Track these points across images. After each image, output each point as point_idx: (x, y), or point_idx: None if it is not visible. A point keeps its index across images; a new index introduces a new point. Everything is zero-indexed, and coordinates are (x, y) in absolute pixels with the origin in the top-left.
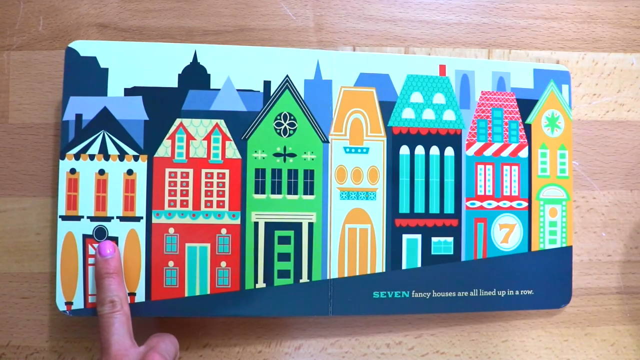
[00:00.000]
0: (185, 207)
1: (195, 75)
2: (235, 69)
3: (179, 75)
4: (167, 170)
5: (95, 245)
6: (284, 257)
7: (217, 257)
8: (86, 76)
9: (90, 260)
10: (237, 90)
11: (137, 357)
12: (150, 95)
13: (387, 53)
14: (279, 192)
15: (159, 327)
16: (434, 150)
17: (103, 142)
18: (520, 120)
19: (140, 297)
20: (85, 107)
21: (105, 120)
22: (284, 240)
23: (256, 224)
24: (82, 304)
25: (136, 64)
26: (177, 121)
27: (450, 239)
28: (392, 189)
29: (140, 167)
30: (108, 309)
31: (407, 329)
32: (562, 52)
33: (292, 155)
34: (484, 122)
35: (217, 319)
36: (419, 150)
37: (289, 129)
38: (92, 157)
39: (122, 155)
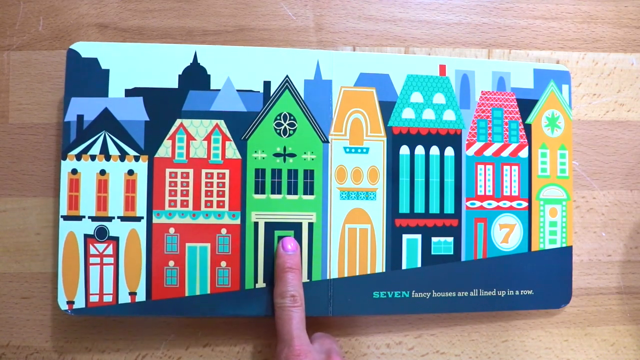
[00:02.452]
0: (185, 207)
1: (195, 76)
2: (235, 70)
3: (179, 76)
4: (168, 170)
5: (98, 245)
6: None
7: (217, 257)
8: (87, 77)
9: (92, 260)
10: (237, 90)
11: (319, 357)
12: (151, 96)
13: (387, 53)
14: (279, 192)
15: (159, 327)
16: (434, 150)
17: (104, 143)
18: (521, 120)
19: (141, 296)
20: (87, 108)
21: (106, 121)
22: None
23: (256, 224)
24: (83, 303)
25: (137, 65)
26: (178, 122)
27: (450, 239)
28: (392, 189)
29: (140, 168)
30: (289, 302)
31: (407, 329)
32: (562, 52)
33: (292, 155)
34: (484, 122)
35: (217, 319)
36: (419, 150)
37: (289, 129)
38: (93, 157)
39: (123, 156)
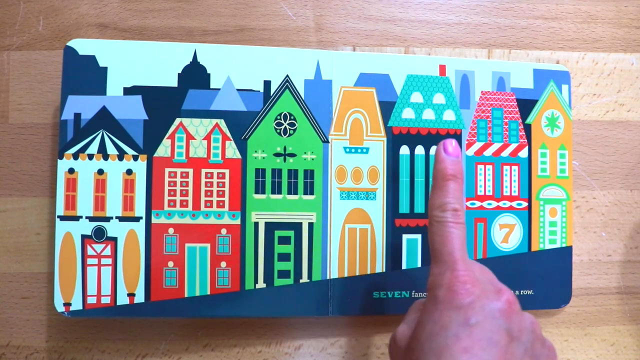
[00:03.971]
0: (185, 207)
1: (195, 75)
2: (235, 69)
3: (178, 74)
4: (167, 170)
5: (95, 246)
6: (284, 257)
7: (217, 257)
8: (85, 75)
9: (90, 261)
10: (237, 90)
11: (486, 291)
12: (150, 95)
13: (387, 53)
14: (279, 192)
15: (159, 327)
16: (434, 151)
17: (102, 142)
18: (520, 120)
19: (140, 298)
20: (84, 106)
21: (104, 120)
22: (284, 241)
23: (256, 224)
24: (80, 305)
25: (136, 63)
26: (177, 121)
27: None
28: (392, 189)
29: (139, 167)
30: (451, 216)
31: None
32: (562, 52)
33: (292, 155)
34: (483, 122)
35: (217, 319)
36: (419, 150)
37: (289, 129)
38: (90, 156)
39: (121, 155)
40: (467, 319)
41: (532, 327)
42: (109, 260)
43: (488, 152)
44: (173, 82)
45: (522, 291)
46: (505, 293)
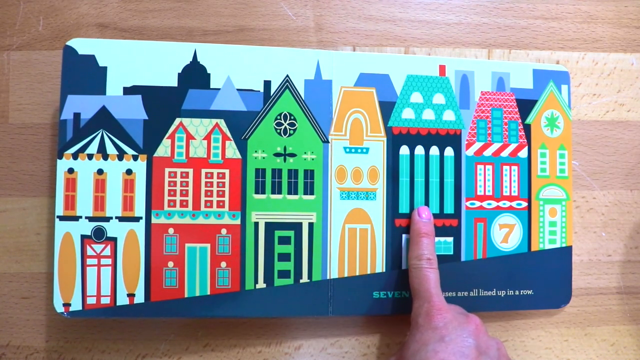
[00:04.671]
0: (185, 207)
1: (195, 75)
2: (235, 69)
3: (178, 74)
4: (167, 170)
5: (95, 246)
6: (284, 257)
7: (217, 257)
8: (84, 74)
9: (89, 261)
10: (237, 89)
11: (459, 315)
12: (150, 95)
13: (387, 53)
14: (279, 192)
15: (159, 328)
16: (434, 150)
17: (102, 142)
18: (520, 121)
19: (140, 298)
20: (84, 105)
21: (104, 119)
22: (284, 241)
23: (256, 224)
24: (80, 305)
25: (135, 63)
26: (177, 121)
27: (450, 239)
28: (392, 189)
29: (139, 167)
30: (426, 264)
31: (407, 329)
32: (562, 52)
33: (292, 155)
34: (483, 122)
35: (217, 319)
36: (419, 150)
37: (289, 129)
38: (90, 156)
39: (121, 155)
40: (442, 337)
41: (497, 345)
42: (109, 261)
43: (488, 152)
44: (173, 82)
45: (522, 291)
46: (473, 318)
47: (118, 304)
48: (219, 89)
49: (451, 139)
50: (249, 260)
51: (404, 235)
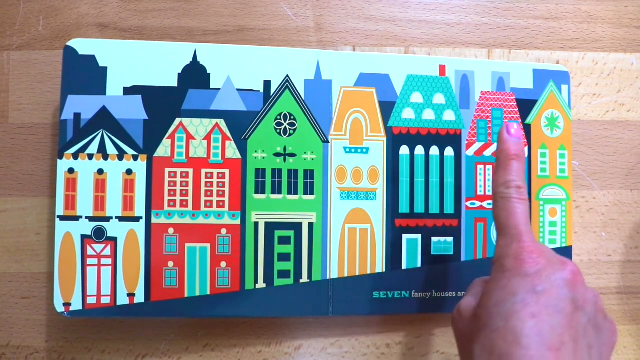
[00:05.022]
0: (185, 207)
1: (195, 75)
2: (235, 69)
3: (178, 74)
4: (167, 170)
5: (95, 246)
6: (284, 257)
7: (217, 257)
8: (85, 75)
9: (89, 261)
10: (237, 89)
11: (552, 262)
12: (150, 95)
13: (387, 53)
14: (279, 192)
15: (159, 328)
16: (434, 150)
17: (102, 142)
18: (520, 121)
19: (140, 298)
20: (84, 106)
21: (104, 120)
22: (284, 241)
23: (256, 224)
24: (80, 305)
25: (135, 63)
26: (177, 121)
27: (450, 239)
28: (392, 189)
29: (139, 167)
30: (515, 193)
31: (407, 329)
32: (562, 52)
33: (292, 155)
34: (483, 122)
35: (217, 319)
36: (419, 150)
37: (289, 129)
38: (90, 156)
39: (121, 155)
40: (534, 286)
41: (595, 299)
42: (109, 260)
43: (488, 152)
44: (173, 82)
45: None
46: (569, 264)
47: (118, 303)
48: (219, 89)
49: (451, 139)
50: (249, 260)
51: (404, 236)
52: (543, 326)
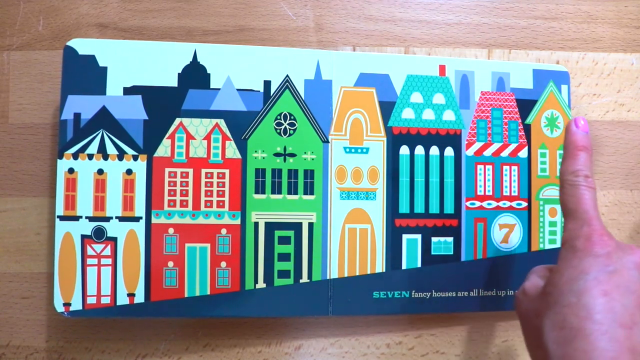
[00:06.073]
0: (185, 207)
1: (195, 75)
2: (235, 69)
3: (178, 74)
4: (167, 170)
5: (95, 246)
6: (284, 257)
7: (217, 257)
8: (85, 75)
9: (89, 261)
10: (237, 89)
11: (621, 245)
12: (150, 95)
13: (387, 53)
14: (279, 192)
15: (159, 328)
16: (434, 151)
17: (102, 142)
18: (520, 121)
19: (140, 298)
20: (84, 106)
21: (104, 120)
22: (284, 241)
23: (256, 224)
24: (80, 305)
25: (135, 63)
26: (177, 121)
27: (450, 239)
28: (392, 189)
29: (139, 167)
30: (584, 181)
31: (407, 329)
32: (562, 52)
33: (292, 155)
34: (483, 122)
35: (217, 319)
36: (419, 150)
37: (289, 129)
38: (90, 156)
39: (121, 155)
40: (606, 266)
41: None
42: (109, 260)
43: (488, 152)
44: (173, 82)
45: None
46: (637, 249)
47: (118, 303)
48: (219, 89)
49: (451, 139)
50: (249, 260)
51: (404, 236)
52: (615, 304)
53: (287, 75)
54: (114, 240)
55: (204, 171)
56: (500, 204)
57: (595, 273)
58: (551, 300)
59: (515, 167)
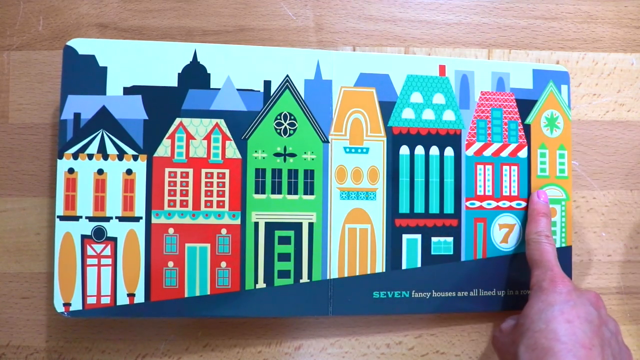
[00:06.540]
0: (185, 207)
1: (195, 75)
2: (236, 69)
3: (178, 74)
4: (167, 170)
5: (95, 246)
6: (284, 257)
7: (217, 257)
8: (85, 74)
9: (89, 261)
10: (237, 89)
11: (578, 288)
12: (150, 95)
13: (387, 53)
14: (279, 192)
15: (159, 328)
16: (434, 151)
17: (102, 142)
18: (520, 121)
19: (140, 298)
20: (84, 105)
21: (104, 120)
22: (284, 241)
23: (256, 224)
24: (80, 305)
25: (135, 63)
26: (177, 120)
27: (450, 239)
28: (392, 189)
29: (139, 167)
30: (545, 239)
31: (407, 329)
32: (562, 52)
33: (292, 155)
34: (483, 122)
35: (217, 319)
36: (419, 150)
37: (289, 129)
38: (90, 156)
39: (121, 155)
40: (568, 301)
41: (614, 323)
42: (109, 261)
43: (487, 152)
44: (173, 82)
45: (522, 291)
46: (590, 290)
47: (118, 303)
48: (219, 89)
49: (451, 139)
50: (249, 260)
51: (403, 235)
52: (576, 330)
53: (287, 75)
54: (114, 240)
55: (204, 171)
56: (500, 204)
57: (560, 305)
58: (524, 328)
59: (515, 167)
